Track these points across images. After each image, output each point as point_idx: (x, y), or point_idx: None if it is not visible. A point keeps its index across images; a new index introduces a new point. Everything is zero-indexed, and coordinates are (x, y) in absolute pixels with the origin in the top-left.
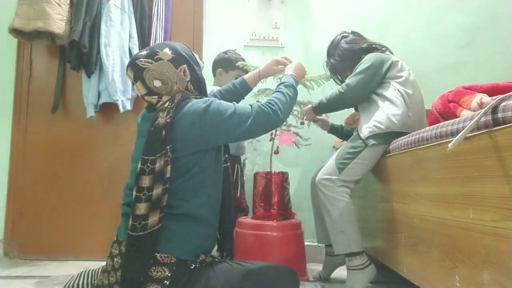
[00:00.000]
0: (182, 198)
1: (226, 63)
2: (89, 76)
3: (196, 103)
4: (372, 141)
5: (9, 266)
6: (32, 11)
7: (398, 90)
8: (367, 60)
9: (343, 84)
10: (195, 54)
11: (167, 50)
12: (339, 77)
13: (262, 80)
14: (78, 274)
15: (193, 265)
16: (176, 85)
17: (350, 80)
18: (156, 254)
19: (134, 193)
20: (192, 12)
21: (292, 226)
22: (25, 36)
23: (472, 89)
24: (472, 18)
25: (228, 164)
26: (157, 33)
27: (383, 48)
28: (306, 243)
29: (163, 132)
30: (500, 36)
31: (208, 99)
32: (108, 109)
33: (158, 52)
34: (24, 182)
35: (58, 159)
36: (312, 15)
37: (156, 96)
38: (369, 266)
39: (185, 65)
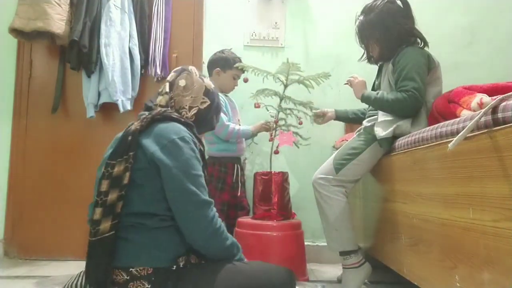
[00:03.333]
0: (149, 206)
1: (224, 62)
2: (89, 76)
3: (174, 129)
4: (384, 145)
5: (9, 266)
6: (32, 11)
7: (426, 103)
8: (417, 65)
9: (413, 94)
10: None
11: (211, 84)
12: (361, 39)
13: (263, 80)
14: (78, 274)
15: (175, 266)
16: (189, 97)
17: (419, 92)
18: (131, 269)
19: (95, 197)
20: (192, 12)
21: (292, 226)
22: (25, 36)
23: (472, 89)
24: (472, 18)
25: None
26: (157, 33)
27: (421, 41)
28: (306, 243)
29: (129, 138)
30: (500, 36)
31: (190, 142)
32: (108, 109)
33: (206, 78)
34: (24, 182)
35: (58, 159)
36: (312, 15)
37: (169, 90)
38: (364, 264)
39: (209, 103)
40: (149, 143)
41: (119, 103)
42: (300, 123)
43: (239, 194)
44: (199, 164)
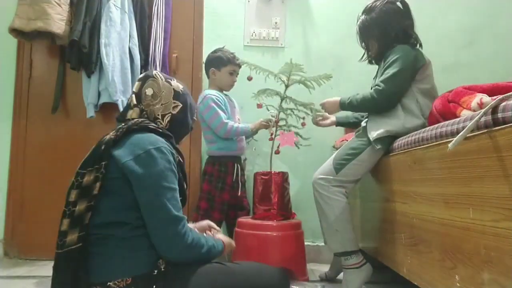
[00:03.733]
0: (119, 215)
1: (216, 61)
2: (89, 76)
3: (150, 140)
4: (379, 145)
5: (9, 266)
6: (32, 11)
7: (417, 100)
8: (400, 60)
9: (377, 88)
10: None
11: (180, 85)
12: (362, 38)
13: (265, 80)
14: None
15: (156, 271)
16: (159, 105)
17: (385, 84)
18: (109, 283)
19: (63, 207)
20: (192, 12)
21: (292, 226)
22: (25, 36)
23: (472, 89)
24: (472, 18)
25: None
26: (157, 33)
27: (414, 41)
28: (306, 243)
29: (102, 147)
30: (500, 36)
31: (167, 153)
32: (108, 109)
33: (173, 80)
34: (24, 182)
35: (58, 159)
36: (312, 15)
37: (137, 102)
38: (365, 265)
39: (182, 105)
40: (122, 153)
41: (119, 103)
42: (303, 125)
43: (239, 194)
44: (174, 176)
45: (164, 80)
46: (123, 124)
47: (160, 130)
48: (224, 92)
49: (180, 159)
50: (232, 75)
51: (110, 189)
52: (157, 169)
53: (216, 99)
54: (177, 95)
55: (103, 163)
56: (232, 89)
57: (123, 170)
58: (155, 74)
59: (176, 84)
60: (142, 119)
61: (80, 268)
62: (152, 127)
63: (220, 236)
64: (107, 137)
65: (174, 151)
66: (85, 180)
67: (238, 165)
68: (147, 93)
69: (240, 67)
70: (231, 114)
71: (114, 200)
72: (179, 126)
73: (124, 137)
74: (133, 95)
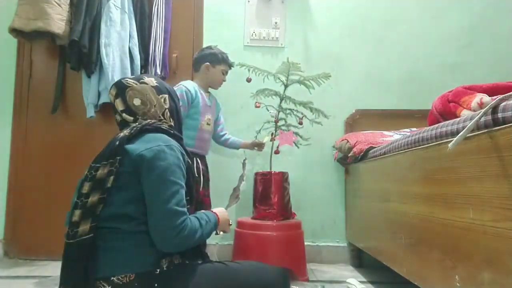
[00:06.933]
0: (127, 207)
1: (213, 57)
2: (89, 76)
3: (163, 139)
4: None
5: (9, 266)
6: (32, 11)
7: None
8: None
9: None
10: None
11: (152, 78)
12: None
13: (263, 80)
14: None
15: (158, 270)
16: (154, 108)
17: None
18: (112, 278)
19: (75, 199)
20: (192, 12)
21: (292, 226)
22: (25, 36)
23: (472, 89)
24: (472, 18)
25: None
26: (157, 33)
27: None
28: (306, 243)
29: (117, 143)
30: (500, 36)
31: (177, 151)
32: (108, 109)
33: (144, 78)
34: (24, 182)
35: (58, 159)
36: (312, 15)
37: (132, 117)
38: None
39: (166, 95)
40: (135, 147)
41: None
42: (300, 123)
43: (201, 190)
44: (181, 173)
45: (138, 83)
46: (137, 123)
47: (172, 132)
48: (211, 89)
49: (189, 160)
50: (223, 74)
51: (121, 183)
52: (165, 163)
53: (186, 92)
54: (158, 89)
55: (118, 158)
56: (232, 90)
57: (135, 162)
58: (127, 82)
59: (149, 79)
60: (154, 121)
61: (89, 261)
62: (165, 128)
63: (217, 209)
64: (121, 134)
65: (184, 151)
66: (99, 173)
67: (200, 161)
68: (135, 104)
69: (230, 68)
70: (202, 111)
71: (123, 194)
72: (177, 114)
73: (138, 135)
74: (124, 114)
